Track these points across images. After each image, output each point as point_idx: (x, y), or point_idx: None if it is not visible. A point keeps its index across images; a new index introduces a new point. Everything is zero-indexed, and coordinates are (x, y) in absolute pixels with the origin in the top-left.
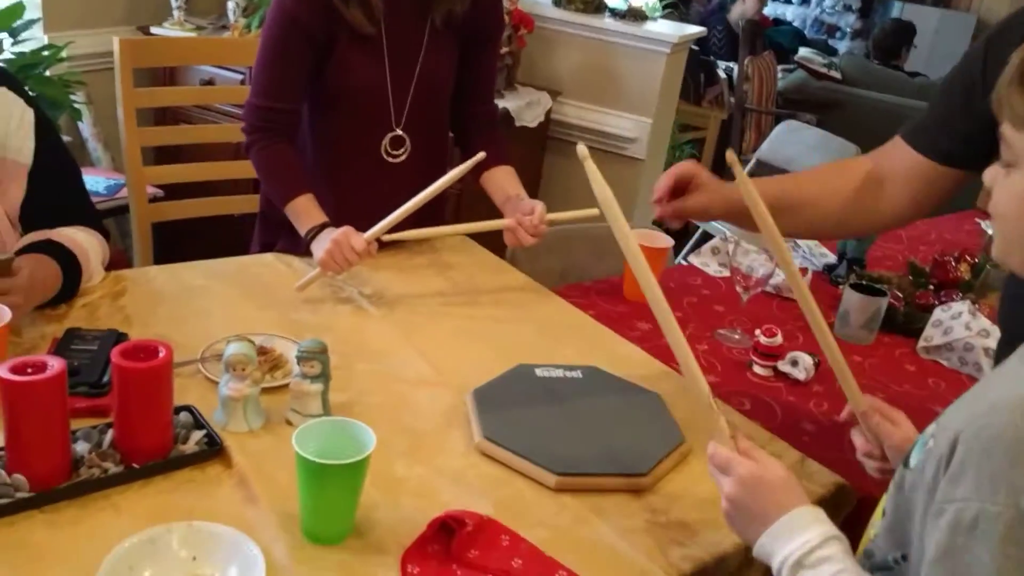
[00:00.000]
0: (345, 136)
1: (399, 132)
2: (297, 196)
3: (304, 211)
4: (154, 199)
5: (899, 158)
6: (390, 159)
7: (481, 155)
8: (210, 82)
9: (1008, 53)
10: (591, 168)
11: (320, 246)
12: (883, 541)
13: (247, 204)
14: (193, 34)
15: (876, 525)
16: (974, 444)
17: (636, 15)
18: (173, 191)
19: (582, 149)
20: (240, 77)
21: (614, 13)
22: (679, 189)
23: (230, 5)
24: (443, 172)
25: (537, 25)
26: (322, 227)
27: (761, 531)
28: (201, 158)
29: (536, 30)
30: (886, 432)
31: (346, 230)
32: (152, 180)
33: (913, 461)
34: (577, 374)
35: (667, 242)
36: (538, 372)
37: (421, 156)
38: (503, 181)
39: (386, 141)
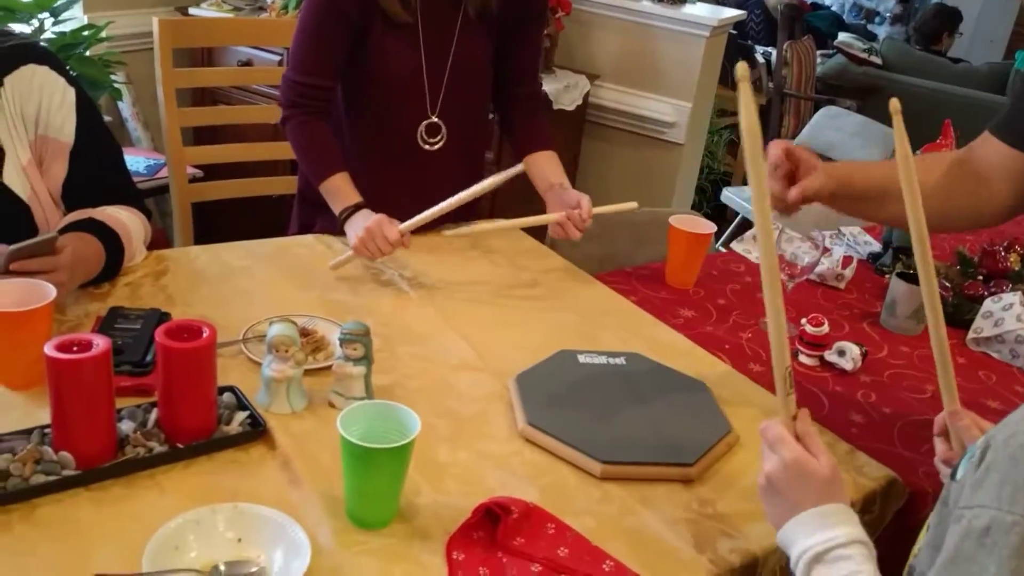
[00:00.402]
0: (380, 123)
1: (435, 119)
2: (332, 174)
3: (339, 190)
4: (194, 179)
5: (994, 152)
6: (426, 146)
7: (519, 168)
8: (247, 63)
9: None
10: (745, 90)
11: (354, 229)
12: (925, 556)
13: (285, 185)
14: (231, 15)
15: (920, 540)
16: (1002, 451)
17: None
18: (212, 171)
19: (742, 67)
20: (277, 58)
21: None
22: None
23: None
24: (482, 159)
25: (575, 7)
26: (356, 208)
27: (788, 518)
28: (239, 138)
29: (574, 13)
30: (971, 437)
31: (380, 219)
32: (192, 160)
33: (959, 474)
34: (620, 361)
35: (710, 227)
36: (581, 358)
37: (458, 144)
38: (546, 167)
39: (422, 128)
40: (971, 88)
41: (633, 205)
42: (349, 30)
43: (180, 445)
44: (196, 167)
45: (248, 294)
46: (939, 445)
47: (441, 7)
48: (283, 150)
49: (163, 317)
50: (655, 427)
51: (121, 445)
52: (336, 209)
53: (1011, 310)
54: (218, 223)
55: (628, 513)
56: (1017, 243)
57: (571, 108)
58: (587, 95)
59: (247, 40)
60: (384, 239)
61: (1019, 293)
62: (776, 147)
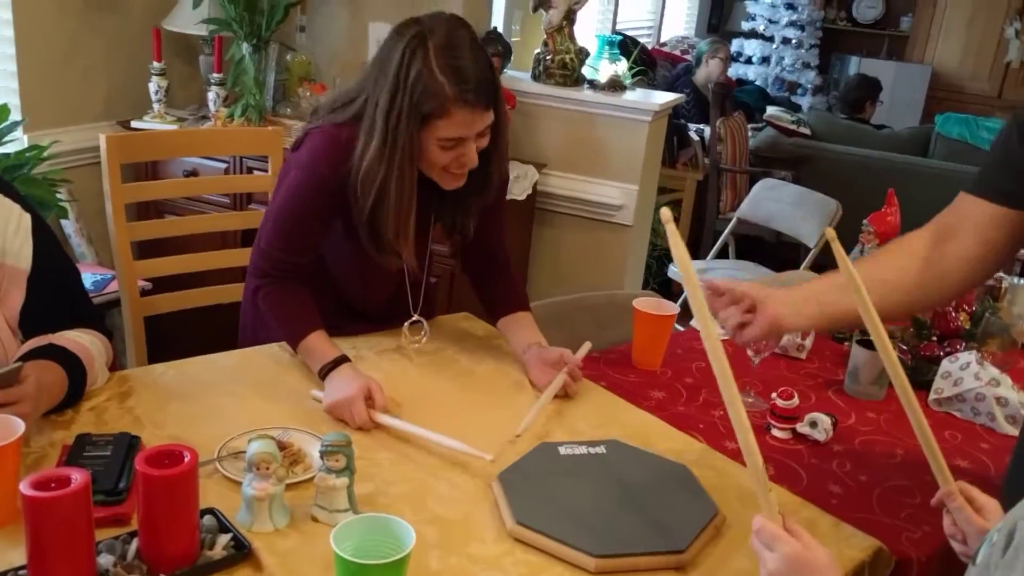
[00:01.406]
0: (358, 287)
1: (417, 318)
2: (309, 334)
3: (315, 348)
4: (143, 292)
5: (965, 211)
6: (412, 345)
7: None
8: (193, 172)
9: None
10: (672, 230)
11: (330, 389)
12: None
13: (240, 293)
14: (175, 126)
15: None
16: None
17: (614, 85)
18: (160, 283)
19: (666, 212)
20: (224, 166)
21: (592, 84)
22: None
23: (210, 95)
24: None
25: (519, 100)
26: (335, 364)
27: None
28: (186, 248)
29: (519, 105)
30: (966, 518)
31: (355, 396)
32: (142, 274)
33: (979, 557)
34: (601, 449)
35: (673, 309)
36: (561, 450)
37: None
38: (524, 328)
39: (405, 328)
40: (896, 152)
41: (588, 345)
42: (333, 213)
43: (163, 575)
44: (144, 280)
45: (218, 410)
46: (945, 520)
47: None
48: (235, 257)
49: (133, 441)
50: (644, 515)
51: None
52: (315, 367)
53: (968, 369)
54: (168, 336)
55: None
56: (964, 303)
57: (522, 198)
58: (536, 184)
59: (194, 151)
60: (351, 416)
61: (974, 352)
62: (727, 307)
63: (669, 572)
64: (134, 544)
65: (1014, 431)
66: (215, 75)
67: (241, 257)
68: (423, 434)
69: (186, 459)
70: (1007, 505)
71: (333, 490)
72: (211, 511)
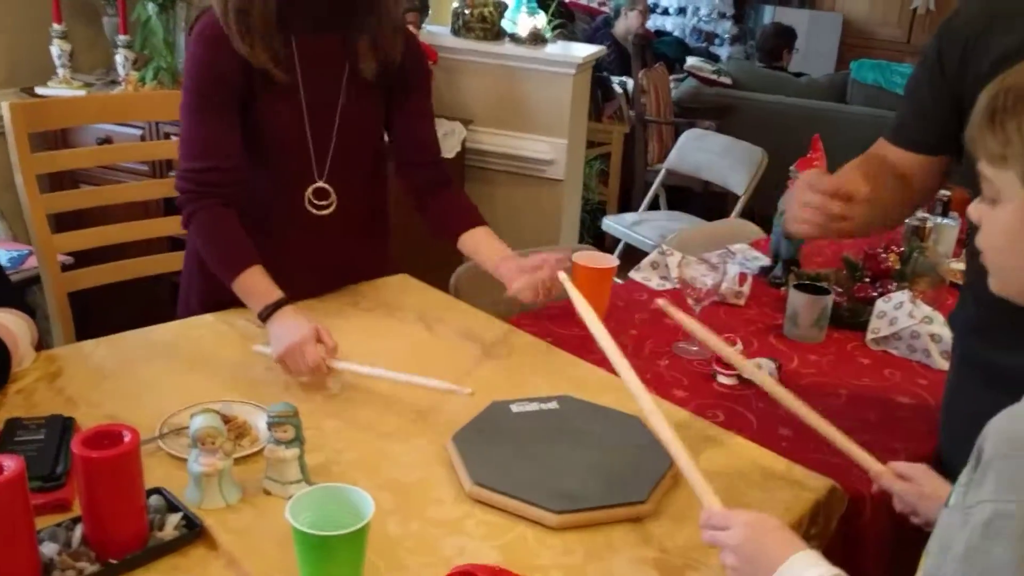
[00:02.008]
0: (265, 188)
1: (322, 184)
2: (245, 269)
3: (255, 287)
4: (65, 267)
5: (886, 155)
6: (315, 211)
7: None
8: (107, 140)
9: (956, 42)
10: (570, 287)
11: (277, 336)
12: None
13: (164, 263)
14: (82, 92)
15: (921, 568)
16: (993, 448)
17: (536, 39)
18: (82, 257)
19: (563, 275)
20: (139, 132)
21: (513, 38)
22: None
23: (118, 59)
24: (383, 226)
25: (441, 56)
26: (276, 306)
27: (776, 567)
28: (106, 220)
29: (440, 61)
30: (901, 491)
31: (306, 337)
32: (63, 248)
33: (952, 500)
34: (553, 405)
35: (613, 262)
36: (514, 408)
37: (351, 209)
38: (489, 242)
39: (309, 193)
40: (815, 99)
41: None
42: (233, 97)
43: (114, 561)
44: (65, 254)
45: (155, 385)
46: (894, 500)
47: (324, 67)
48: (160, 227)
49: (67, 422)
50: (601, 468)
51: (47, 570)
52: (255, 308)
53: (902, 308)
54: (94, 312)
55: (594, 559)
56: (893, 244)
57: (451, 155)
58: (464, 141)
59: (107, 117)
60: (303, 360)
61: (906, 291)
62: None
63: (630, 523)
64: (78, 530)
65: (948, 365)
66: (121, 37)
67: (165, 226)
68: (390, 376)
69: (127, 439)
70: (945, 431)
71: (284, 462)
72: (158, 491)
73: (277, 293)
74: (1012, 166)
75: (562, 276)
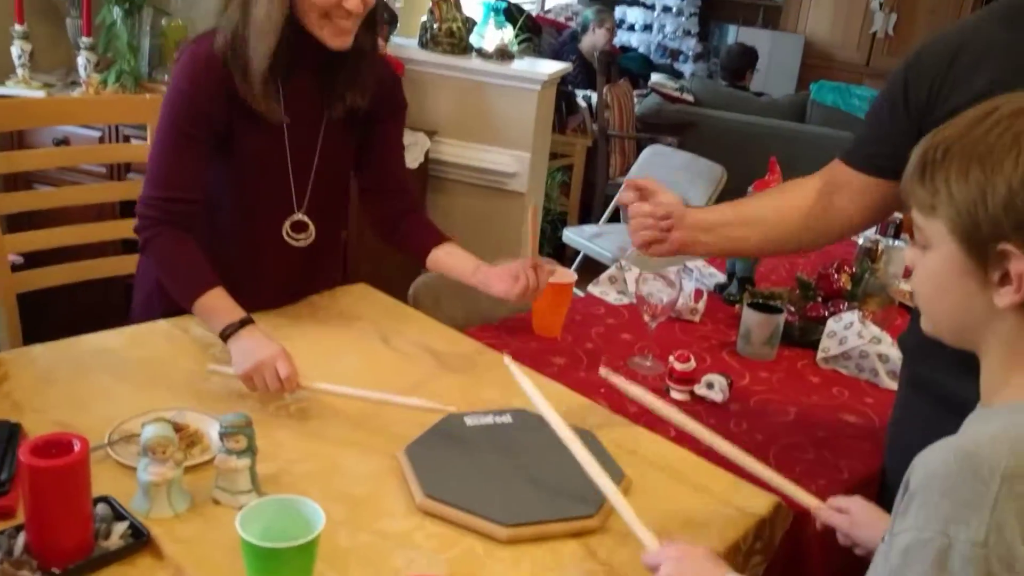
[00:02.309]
0: (244, 219)
1: (301, 216)
2: (206, 291)
3: (216, 308)
4: (14, 267)
5: (843, 176)
6: (293, 242)
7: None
8: (64, 141)
9: (924, 77)
10: (515, 371)
11: (242, 352)
12: None
13: (116, 266)
14: (42, 92)
15: None
16: (917, 481)
17: (503, 54)
18: (32, 258)
19: (507, 359)
20: (98, 134)
21: (481, 53)
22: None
23: (80, 61)
24: (339, 258)
25: (408, 68)
26: (240, 324)
27: None
28: (59, 220)
29: (407, 73)
30: (837, 523)
31: (276, 354)
32: (14, 248)
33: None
34: (507, 418)
35: (571, 276)
36: (468, 421)
37: (322, 241)
38: (461, 255)
39: (287, 226)
40: (775, 118)
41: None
42: (211, 133)
43: (56, 570)
44: (16, 254)
45: (105, 392)
46: (838, 534)
47: (306, 105)
48: (114, 230)
49: (13, 429)
50: (552, 482)
51: None
52: (216, 328)
53: (852, 328)
54: (42, 315)
55: (541, 573)
56: (845, 264)
57: (414, 166)
58: (428, 151)
59: (68, 119)
60: (273, 375)
61: (856, 311)
62: (647, 213)
63: (578, 537)
64: (21, 538)
65: (895, 385)
66: (85, 39)
67: (119, 229)
68: (365, 395)
69: (76, 448)
70: (891, 452)
71: (235, 472)
72: (104, 499)
73: (240, 312)
74: (940, 215)
75: (507, 360)
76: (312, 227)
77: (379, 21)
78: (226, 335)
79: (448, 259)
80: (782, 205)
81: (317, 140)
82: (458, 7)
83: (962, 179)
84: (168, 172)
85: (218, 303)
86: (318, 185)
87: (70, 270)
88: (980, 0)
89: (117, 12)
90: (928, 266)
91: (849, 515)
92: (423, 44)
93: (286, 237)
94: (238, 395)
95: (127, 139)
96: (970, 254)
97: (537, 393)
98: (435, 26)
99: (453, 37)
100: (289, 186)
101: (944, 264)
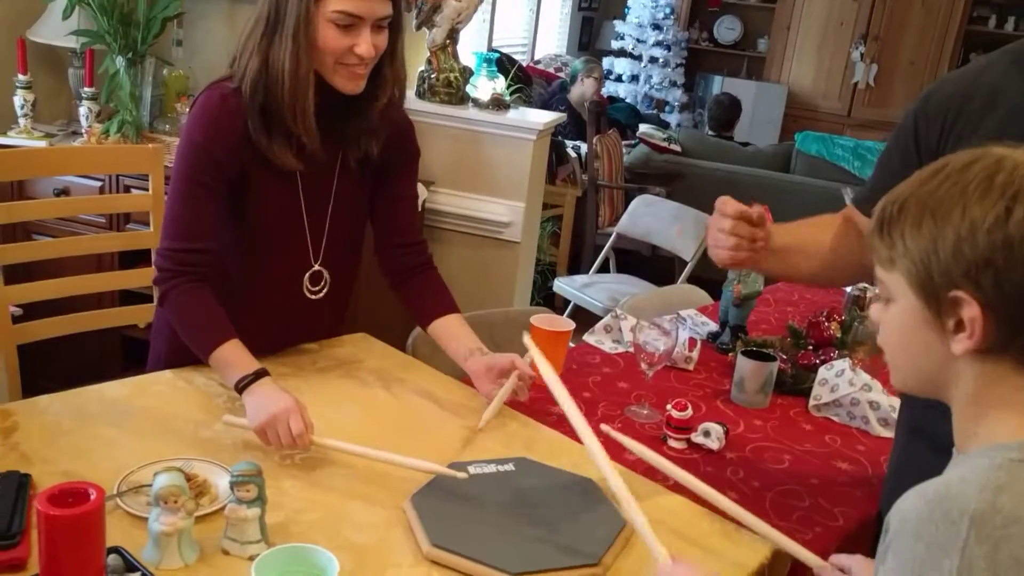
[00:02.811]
0: (266, 278)
1: (318, 268)
2: (223, 343)
3: (232, 359)
4: (15, 319)
5: (855, 219)
6: (311, 295)
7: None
8: (64, 191)
9: (934, 122)
10: (535, 352)
11: (256, 406)
12: None
13: (117, 318)
14: (43, 142)
15: None
16: (892, 526)
17: (498, 104)
18: (31, 309)
19: (528, 340)
20: (99, 184)
21: (476, 103)
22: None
23: (82, 111)
24: (347, 309)
25: None
26: (256, 376)
27: None
28: (58, 271)
29: None
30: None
31: (289, 407)
32: (14, 299)
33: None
34: (510, 467)
35: (569, 325)
36: (471, 469)
37: (340, 290)
38: (460, 333)
39: (306, 278)
40: (761, 168)
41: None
42: (226, 183)
43: None
44: (15, 305)
45: (112, 442)
46: None
47: (320, 155)
48: (113, 281)
49: (23, 479)
50: (556, 530)
51: None
52: (232, 379)
53: (843, 375)
54: (42, 365)
55: None
56: (835, 312)
57: None
58: (424, 201)
59: (70, 169)
60: (287, 431)
61: (847, 359)
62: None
63: None
64: None
65: (886, 432)
66: (87, 89)
67: (119, 280)
68: (376, 455)
69: (92, 496)
70: (889, 498)
71: (244, 521)
72: (116, 550)
73: (255, 364)
74: (898, 268)
75: (527, 340)
76: (328, 278)
77: (398, 69)
78: (241, 387)
79: (446, 334)
80: (827, 239)
81: (331, 189)
82: (455, 57)
83: (916, 231)
84: (184, 223)
85: (234, 355)
86: (333, 235)
87: (71, 321)
88: (958, 53)
89: (120, 62)
90: (891, 320)
91: (850, 574)
92: (420, 94)
93: (305, 291)
94: (244, 445)
95: (128, 189)
96: (927, 304)
97: (555, 378)
98: (433, 76)
99: (451, 87)
100: (305, 236)
101: (905, 317)
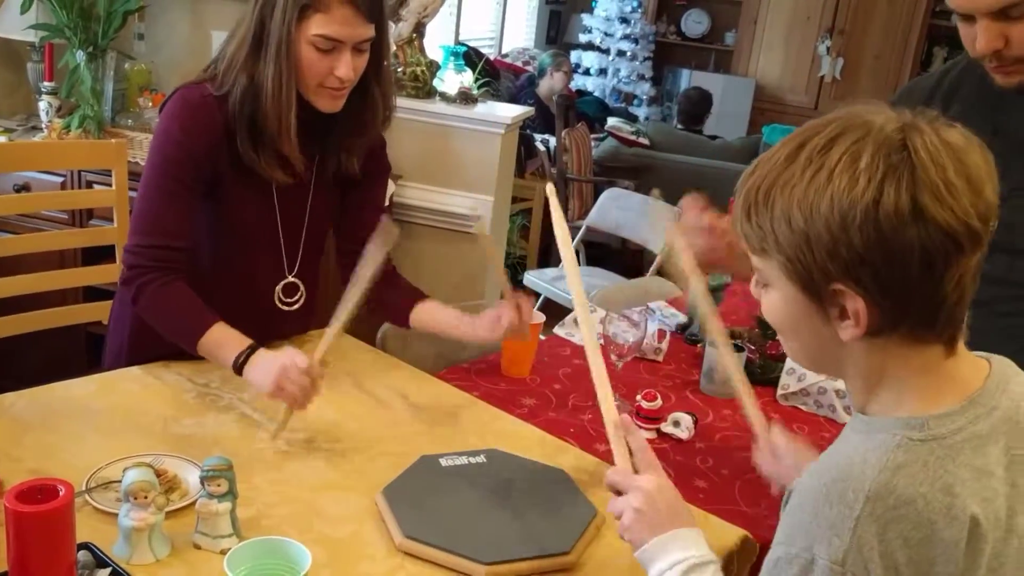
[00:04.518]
0: (236, 290)
1: (293, 279)
2: (209, 328)
3: (223, 340)
4: None
5: None
6: (284, 307)
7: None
8: (25, 187)
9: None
10: (555, 203)
11: (263, 372)
12: None
13: (80, 314)
14: (2, 138)
15: None
16: (794, 498)
17: (466, 98)
18: None
19: (551, 188)
20: (60, 180)
21: (444, 97)
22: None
23: (42, 105)
24: (322, 320)
25: None
26: (251, 350)
27: (651, 537)
28: (19, 268)
29: None
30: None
31: (291, 355)
32: None
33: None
34: (481, 459)
35: (540, 317)
36: (443, 462)
37: (313, 302)
38: (442, 309)
39: (279, 289)
40: (728, 161)
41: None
42: (200, 181)
43: None
44: None
45: (80, 439)
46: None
47: (300, 168)
48: (76, 277)
49: None
50: (528, 520)
51: None
52: (228, 359)
53: None
54: (1, 365)
55: None
56: None
57: None
58: (392, 195)
59: (32, 165)
60: (299, 373)
61: None
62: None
63: (555, 573)
64: None
65: None
66: (47, 84)
67: (83, 276)
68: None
69: (61, 493)
70: None
71: (216, 516)
72: (86, 546)
73: (247, 340)
74: (772, 258)
75: (549, 188)
76: (303, 288)
77: (386, 88)
78: (240, 363)
79: (429, 318)
80: None
81: (307, 201)
82: (422, 51)
83: (785, 226)
84: (156, 219)
85: (224, 336)
86: (309, 245)
87: (33, 318)
88: (922, 47)
89: (80, 56)
90: (773, 304)
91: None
92: None
93: (277, 303)
94: (213, 440)
95: (90, 185)
96: (808, 295)
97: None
98: (399, 70)
99: (418, 81)
100: (280, 246)
101: (786, 304)
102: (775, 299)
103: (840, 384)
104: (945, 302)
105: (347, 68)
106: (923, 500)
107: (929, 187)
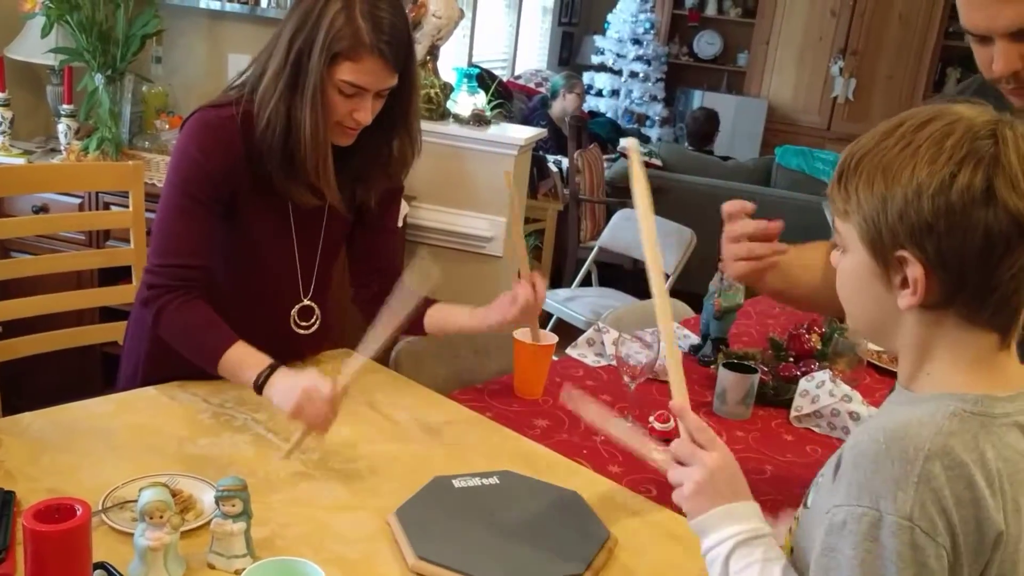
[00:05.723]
0: (252, 314)
1: (308, 302)
2: (229, 347)
3: (243, 360)
4: None
5: None
6: (299, 331)
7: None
8: (43, 208)
9: None
10: (636, 159)
11: (283, 393)
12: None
13: (97, 335)
14: (22, 160)
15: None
16: (848, 459)
17: (479, 120)
18: (8, 327)
19: (632, 142)
20: (79, 201)
21: (457, 118)
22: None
23: (60, 128)
24: (338, 342)
25: None
26: (271, 370)
27: (709, 508)
28: (37, 289)
29: None
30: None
31: (313, 379)
32: None
33: (810, 501)
34: (494, 480)
35: (552, 339)
36: (456, 483)
37: (329, 325)
38: (450, 308)
39: (295, 313)
40: (742, 182)
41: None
42: (218, 202)
43: None
44: None
45: (96, 459)
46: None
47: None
48: (92, 298)
49: (7, 496)
50: (541, 542)
51: None
52: (249, 378)
53: (824, 387)
54: (17, 383)
55: None
56: (815, 324)
57: None
58: (406, 216)
59: (51, 187)
60: (322, 398)
61: (827, 370)
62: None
63: None
64: None
65: None
66: (66, 107)
67: (100, 297)
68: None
69: (78, 512)
70: None
71: (230, 536)
72: (102, 565)
73: (267, 359)
74: (852, 221)
75: (631, 143)
76: (318, 311)
77: (413, 131)
78: (260, 383)
79: (442, 317)
80: (821, 255)
81: (322, 223)
82: (436, 73)
83: (868, 190)
84: (177, 239)
85: (244, 355)
86: (323, 267)
87: (51, 338)
88: (935, 68)
89: (99, 79)
90: (845, 268)
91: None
92: None
93: (293, 326)
94: (228, 460)
95: (107, 206)
96: (876, 259)
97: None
98: None
99: (431, 103)
100: (296, 269)
101: (857, 267)
102: (847, 265)
103: (854, 406)
104: (998, 288)
105: (366, 113)
106: (974, 466)
107: (1007, 174)
